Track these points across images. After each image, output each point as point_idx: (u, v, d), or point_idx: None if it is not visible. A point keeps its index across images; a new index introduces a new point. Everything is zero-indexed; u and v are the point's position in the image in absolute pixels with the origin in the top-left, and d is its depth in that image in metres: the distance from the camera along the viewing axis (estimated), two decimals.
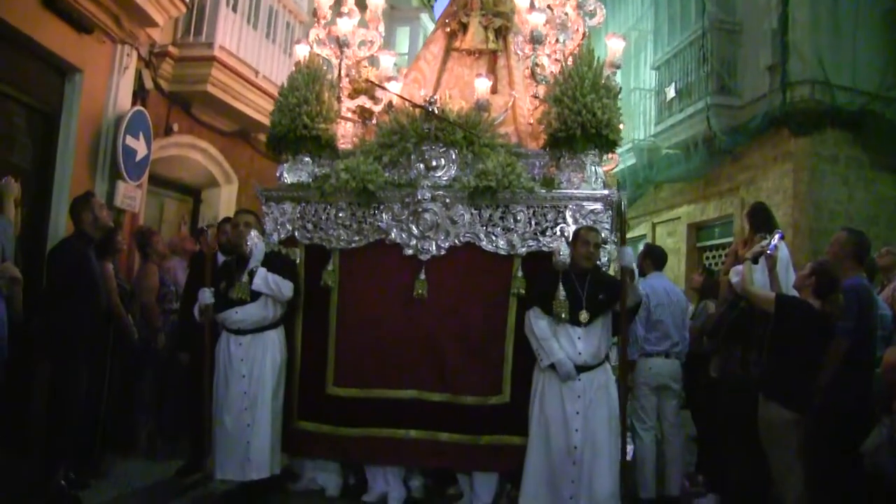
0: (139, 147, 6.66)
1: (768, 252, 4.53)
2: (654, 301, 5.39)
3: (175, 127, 7.61)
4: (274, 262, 5.01)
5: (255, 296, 4.89)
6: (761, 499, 4.94)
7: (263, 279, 4.86)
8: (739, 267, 4.94)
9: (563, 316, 4.47)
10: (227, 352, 4.92)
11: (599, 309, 4.54)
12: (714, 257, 11.35)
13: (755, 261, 4.61)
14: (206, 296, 4.93)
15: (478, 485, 4.92)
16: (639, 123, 12.74)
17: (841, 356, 4.25)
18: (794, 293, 4.57)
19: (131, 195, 6.66)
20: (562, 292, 4.51)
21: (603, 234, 4.80)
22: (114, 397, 5.57)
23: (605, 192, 5.03)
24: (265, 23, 8.15)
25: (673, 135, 11.51)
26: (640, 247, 6.46)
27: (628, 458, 5.66)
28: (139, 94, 6.92)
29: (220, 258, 5.37)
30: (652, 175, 12.28)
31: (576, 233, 4.73)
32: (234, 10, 7.55)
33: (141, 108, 6.77)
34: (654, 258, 5.85)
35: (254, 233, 4.97)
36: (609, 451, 4.39)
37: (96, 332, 5.05)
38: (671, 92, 11.56)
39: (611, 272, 4.99)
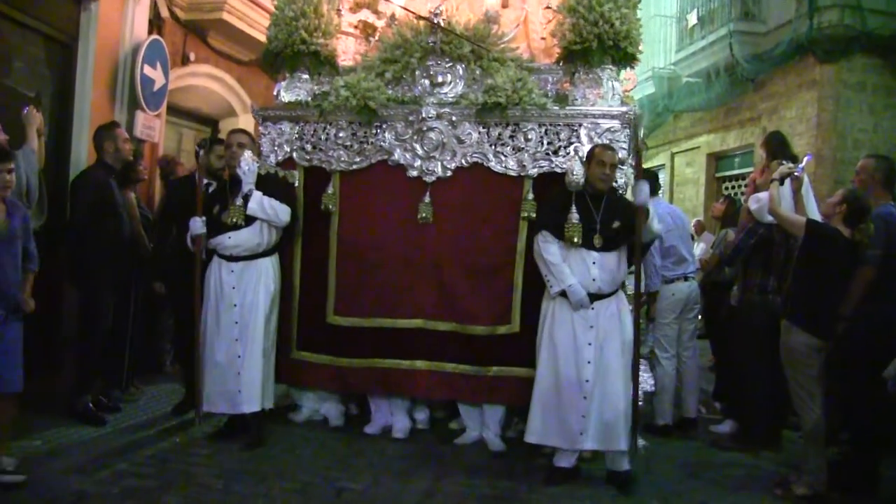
0: (157, 76, 6.60)
1: (796, 174, 4.44)
2: (663, 228, 5.23)
3: (192, 56, 7.53)
4: (270, 184, 4.75)
5: (250, 221, 4.63)
6: (778, 425, 5.03)
7: (259, 203, 4.60)
8: (759, 194, 4.89)
9: (575, 240, 4.18)
10: (219, 279, 4.68)
11: (614, 235, 4.24)
12: (734, 187, 11.27)
13: (782, 182, 4.47)
14: (198, 225, 4.64)
15: (484, 417, 4.86)
16: (659, 51, 12.49)
17: (867, 284, 4.25)
18: (818, 217, 4.53)
19: (150, 125, 6.63)
20: (575, 215, 4.21)
21: (620, 154, 4.51)
22: (139, 324, 5.67)
23: (623, 108, 4.74)
24: None
25: (694, 63, 11.31)
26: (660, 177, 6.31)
27: (649, 388, 5.77)
28: (155, 23, 6.81)
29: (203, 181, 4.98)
30: (671, 104, 12.11)
31: (591, 151, 4.39)
32: None
33: (157, 36, 6.68)
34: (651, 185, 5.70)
35: (248, 153, 4.67)
36: (622, 385, 4.15)
37: (120, 259, 5.12)
38: (693, 18, 11.32)
39: (627, 196, 4.68)
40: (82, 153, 5.76)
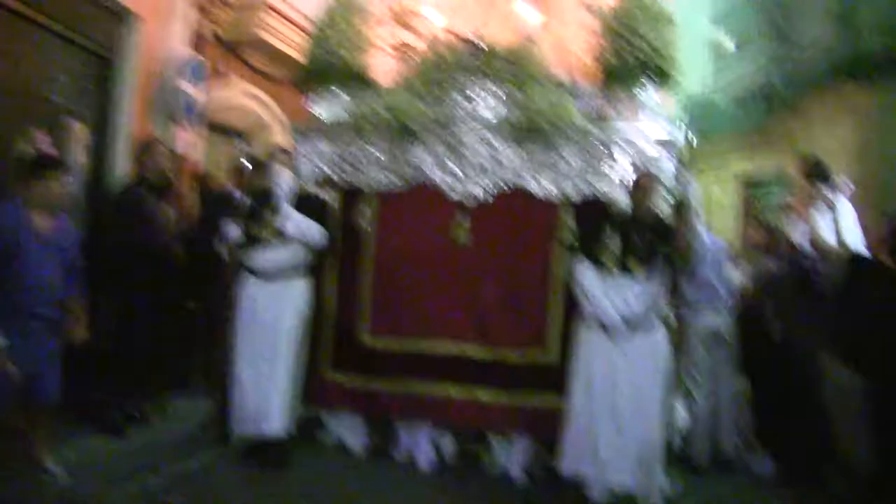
0: (195, 93, 6.66)
1: (834, 201, 4.36)
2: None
3: (229, 73, 7.60)
4: (306, 204, 4.73)
5: (285, 239, 4.64)
6: (821, 466, 4.87)
7: (294, 222, 4.60)
8: (798, 222, 4.80)
9: (614, 266, 4.18)
10: (251, 298, 4.67)
11: (654, 261, 4.21)
12: (769, 214, 11.10)
13: (820, 209, 4.41)
14: (233, 232, 4.69)
15: (512, 448, 4.72)
16: (694, 75, 12.42)
17: None
18: (862, 249, 4.43)
19: (188, 141, 6.69)
20: (615, 241, 4.21)
21: (662, 179, 4.44)
22: (172, 338, 5.67)
23: (664, 131, 4.68)
24: None
25: (727, 86, 11.20)
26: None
27: (681, 422, 5.62)
28: (194, 40, 6.90)
29: (239, 197, 5.06)
30: (706, 128, 11.99)
31: (635, 180, 4.38)
32: None
33: (196, 53, 6.76)
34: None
35: (285, 171, 4.69)
36: (657, 418, 4.09)
37: (155, 273, 5.13)
38: (727, 41, 11.23)
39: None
40: (120, 168, 5.82)
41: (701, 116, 11.85)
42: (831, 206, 4.38)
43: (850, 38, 8.61)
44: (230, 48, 7.58)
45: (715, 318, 5.28)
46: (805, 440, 4.75)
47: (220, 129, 8.26)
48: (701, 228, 5.49)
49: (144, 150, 5.17)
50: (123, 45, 6.00)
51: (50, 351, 3.91)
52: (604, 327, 4.15)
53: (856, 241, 4.61)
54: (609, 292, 4.17)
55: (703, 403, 5.20)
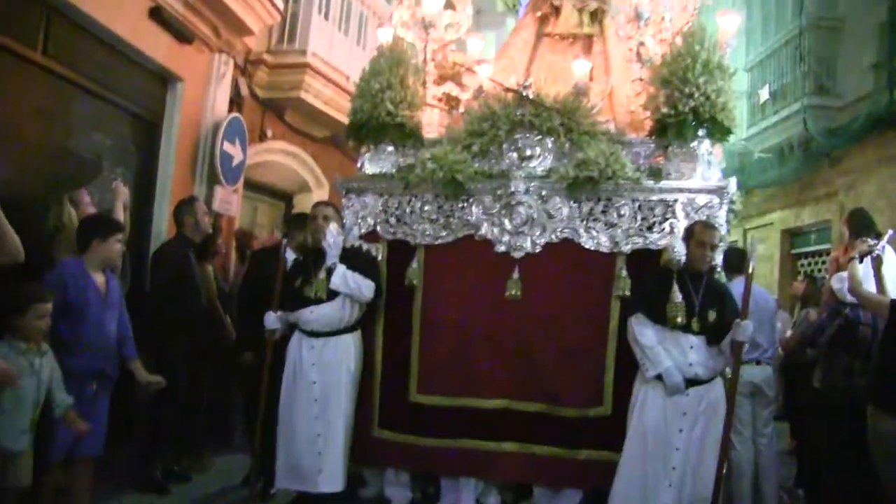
0: (235, 152, 6.85)
1: (877, 252, 4.28)
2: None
3: (269, 133, 7.82)
4: (354, 258, 4.66)
5: (332, 295, 4.55)
6: None
7: (342, 277, 4.52)
8: (842, 273, 4.73)
9: (678, 321, 4.03)
10: (299, 355, 4.62)
11: (710, 324, 4.08)
12: (810, 265, 10.93)
13: (861, 260, 4.32)
14: (271, 320, 4.69)
15: (559, 502, 4.60)
16: None
17: None
18: None
19: (228, 199, 6.85)
20: (678, 294, 4.07)
21: (718, 237, 4.30)
22: (212, 395, 5.72)
23: (721, 183, 4.56)
24: (356, 29, 8.29)
25: (766, 138, 11.15)
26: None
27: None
28: (235, 101, 7.13)
29: (290, 257, 5.05)
30: (744, 180, 11.88)
31: (691, 229, 4.25)
32: (326, 17, 7.71)
33: (237, 114, 6.97)
34: (729, 263, 5.22)
35: (333, 226, 4.61)
36: (712, 475, 3.97)
37: (196, 331, 5.20)
38: (765, 94, 11.21)
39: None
40: (162, 226, 5.99)
41: (738, 168, 11.80)
42: (877, 258, 4.29)
43: (889, 88, 8.53)
44: (271, 108, 7.78)
45: (758, 371, 5.19)
46: (846, 492, 4.60)
47: (259, 188, 8.45)
48: (738, 286, 5.44)
49: (183, 208, 5.28)
50: (167, 107, 6.21)
51: (97, 406, 3.99)
52: (662, 382, 4.05)
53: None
54: (668, 347, 4.09)
55: (745, 452, 5.11)
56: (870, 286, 4.30)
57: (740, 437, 5.11)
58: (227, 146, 6.68)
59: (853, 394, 4.52)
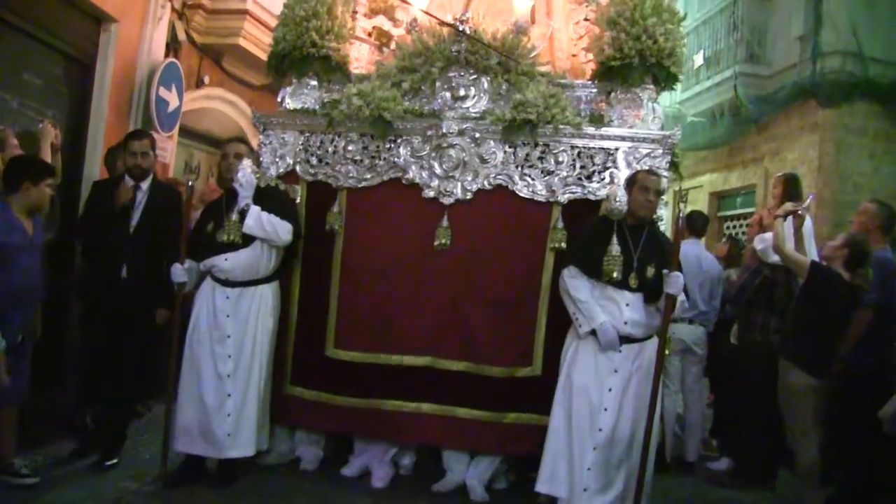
0: (171, 98, 6.71)
1: (799, 212, 4.45)
2: (683, 269, 5.22)
3: (206, 79, 7.67)
4: (270, 199, 4.25)
5: (248, 240, 4.18)
6: (775, 464, 5.06)
7: (256, 219, 4.12)
8: (765, 234, 4.96)
9: (614, 275, 3.78)
10: (212, 305, 4.20)
11: (648, 280, 3.86)
12: (736, 227, 11.34)
13: (784, 219, 4.43)
14: (178, 272, 4.19)
15: (472, 462, 4.44)
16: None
17: (865, 326, 4.33)
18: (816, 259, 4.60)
19: (163, 146, 6.72)
20: (616, 247, 3.81)
21: (662, 184, 4.07)
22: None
23: (665, 132, 4.33)
24: None
25: (699, 102, 11.42)
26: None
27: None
28: (172, 46, 6.94)
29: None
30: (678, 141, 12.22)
31: (633, 176, 4.00)
32: None
33: (174, 59, 6.81)
34: (690, 224, 5.58)
35: (246, 163, 4.19)
36: (641, 436, 3.78)
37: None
38: (699, 59, 11.45)
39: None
40: (95, 170, 5.85)
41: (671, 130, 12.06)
42: (798, 218, 4.48)
43: (812, 60, 8.87)
44: (209, 54, 7.63)
45: (690, 330, 5.43)
46: (759, 441, 4.92)
47: (195, 135, 8.32)
48: (696, 247, 5.58)
49: (118, 148, 5.12)
50: (101, 49, 6.02)
51: (25, 358, 3.96)
52: (595, 339, 3.84)
53: (812, 251, 4.78)
54: (602, 303, 3.86)
55: (669, 405, 5.34)
56: (790, 245, 4.52)
57: (666, 391, 5.33)
58: (162, 92, 6.53)
59: (768, 350, 4.81)
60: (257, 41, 7.51)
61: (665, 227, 4.39)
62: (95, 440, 4.55)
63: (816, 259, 4.51)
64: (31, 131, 4.92)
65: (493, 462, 4.45)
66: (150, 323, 4.62)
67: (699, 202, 12.32)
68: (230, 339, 4.17)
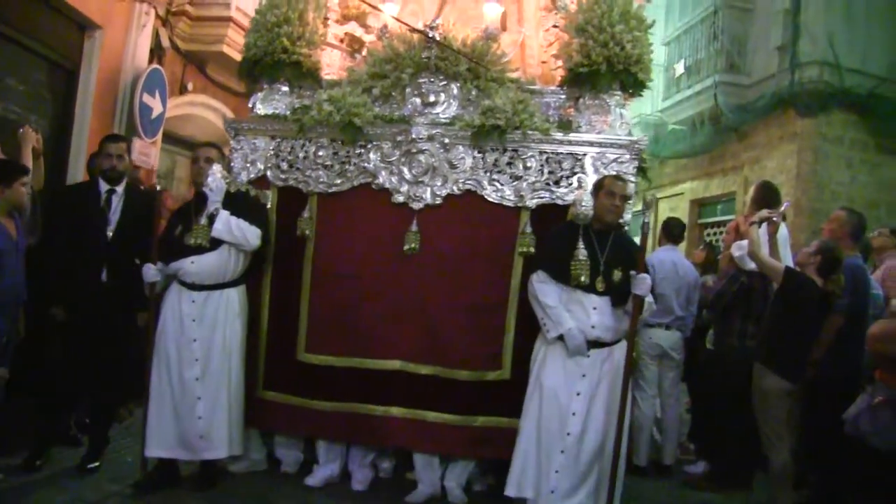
0: (155, 105, 6.75)
1: (774, 219, 4.50)
2: (659, 274, 5.27)
3: (189, 86, 7.72)
4: (239, 204, 4.26)
5: (216, 244, 4.17)
6: (750, 467, 5.13)
7: (225, 223, 4.13)
8: (741, 241, 5.04)
9: (581, 280, 3.81)
10: (178, 309, 4.20)
11: (615, 284, 3.88)
12: (715, 234, 11.46)
13: (760, 225, 4.49)
14: (151, 273, 4.18)
15: (448, 466, 4.45)
16: (646, 98, 12.76)
17: (836, 331, 4.41)
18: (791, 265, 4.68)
19: (146, 152, 6.76)
20: (583, 251, 3.84)
21: (629, 188, 4.13)
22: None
23: (632, 137, 4.36)
24: None
25: (680, 111, 11.55)
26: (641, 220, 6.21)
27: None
28: (156, 52, 7.00)
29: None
30: (657, 150, 12.33)
31: (600, 181, 4.03)
32: None
33: (158, 66, 6.85)
34: (667, 231, 5.77)
35: (216, 168, 4.19)
36: (611, 440, 3.80)
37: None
38: (680, 68, 11.58)
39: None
40: (78, 176, 5.88)
41: (653, 139, 12.22)
42: (773, 224, 4.54)
43: (790, 70, 9.02)
44: (193, 61, 7.67)
45: (667, 336, 5.50)
46: (735, 445, 4.99)
47: (178, 141, 8.34)
48: (672, 253, 5.66)
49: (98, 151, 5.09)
50: (86, 56, 6.07)
51: (7, 351, 3.98)
52: (563, 343, 3.86)
53: (787, 257, 4.86)
54: (570, 308, 3.88)
55: (646, 409, 5.42)
56: (765, 251, 4.59)
57: (643, 395, 5.45)
58: (146, 98, 6.58)
59: (745, 355, 4.85)
60: (240, 48, 7.52)
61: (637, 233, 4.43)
62: (45, 447, 4.52)
63: (790, 264, 4.59)
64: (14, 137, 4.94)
65: (468, 465, 4.48)
66: (131, 326, 4.64)
67: (680, 209, 12.45)
68: (196, 342, 4.18)
